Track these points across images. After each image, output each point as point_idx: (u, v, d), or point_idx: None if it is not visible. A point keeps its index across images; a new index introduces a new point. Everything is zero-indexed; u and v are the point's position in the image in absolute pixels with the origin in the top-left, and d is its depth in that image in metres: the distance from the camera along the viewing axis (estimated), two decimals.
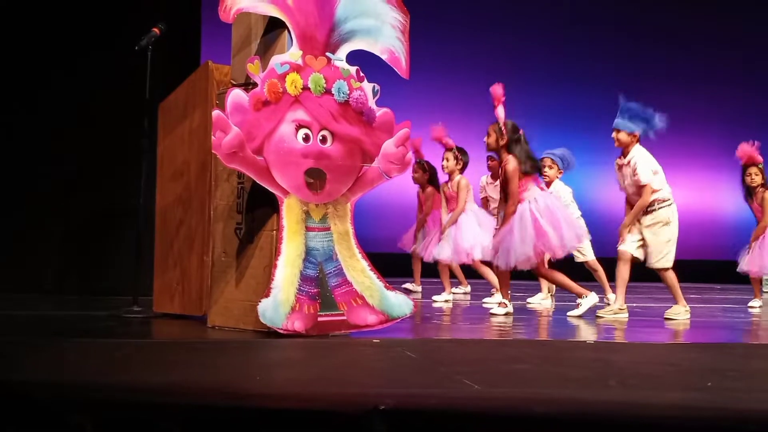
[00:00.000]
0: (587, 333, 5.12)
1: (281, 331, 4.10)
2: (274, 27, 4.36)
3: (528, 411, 2.44)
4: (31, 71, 6.36)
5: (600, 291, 6.51)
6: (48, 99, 6.36)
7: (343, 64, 4.41)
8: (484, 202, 7.81)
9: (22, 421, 2.46)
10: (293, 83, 4.25)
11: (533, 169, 5.84)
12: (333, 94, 4.35)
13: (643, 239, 5.81)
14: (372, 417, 2.33)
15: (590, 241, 7.02)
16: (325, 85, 4.32)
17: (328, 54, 4.36)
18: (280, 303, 4.13)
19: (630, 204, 5.88)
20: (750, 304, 7.49)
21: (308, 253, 4.30)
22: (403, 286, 7.83)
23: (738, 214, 12.23)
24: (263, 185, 4.23)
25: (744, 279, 7.78)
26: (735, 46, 12.67)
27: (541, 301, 7.16)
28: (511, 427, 2.37)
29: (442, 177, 7.59)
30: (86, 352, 3.57)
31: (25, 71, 6.36)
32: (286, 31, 4.31)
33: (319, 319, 4.25)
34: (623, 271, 5.86)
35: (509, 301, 5.88)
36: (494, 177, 7.41)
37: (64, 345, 3.80)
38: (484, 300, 7.10)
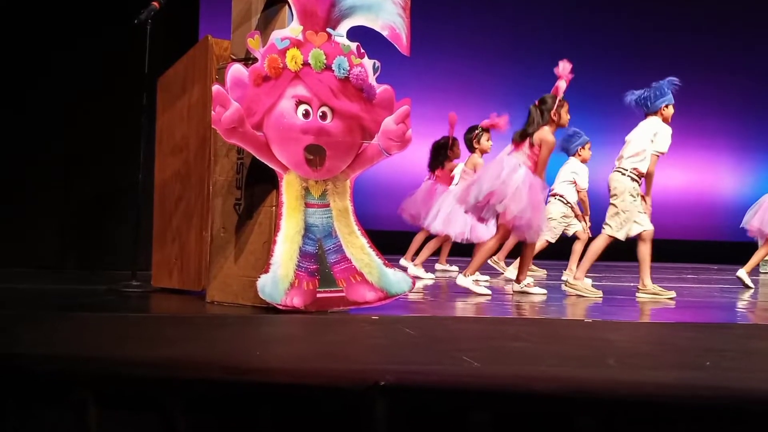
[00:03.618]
0: (585, 312, 5.13)
1: (280, 307, 4.11)
2: (274, 2, 4.33)
3: (527, 388, 2.45)
4: (31, 47, 6.32)
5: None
6: (47, 74, 6.31)
7: (343, 40, 4.39)
8: None
9: (22, 394, 2.46)
10: (293, 59, 4.22)
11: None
12: (333, 70, 4.33)
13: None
14: (372, 393, 2.33)
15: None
16: (325, 61, 4.30)
17: (328, 30, 4.34)
18: (279, 279, 4.13)
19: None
20: (761, 270, 7.53)
21: (307, 230, 4.29)
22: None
23: (736, 195, 12.26)
24: (263, 161, 4.22)
25: (741, 259, 7.78)
26: (735, 29, 12.64)
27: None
28: (511, 404, 2.37)
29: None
30: (85, 326, 3.57)
31: (25, 47, 6.32)
32: (287, 6, 4.28)
33: (318, 295, 4.25)
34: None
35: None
36: None
37: (63, 319, 3.80)
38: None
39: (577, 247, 7.32)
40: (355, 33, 4.45)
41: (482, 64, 11.67)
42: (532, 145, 5.70)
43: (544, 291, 5.92)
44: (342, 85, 4.35)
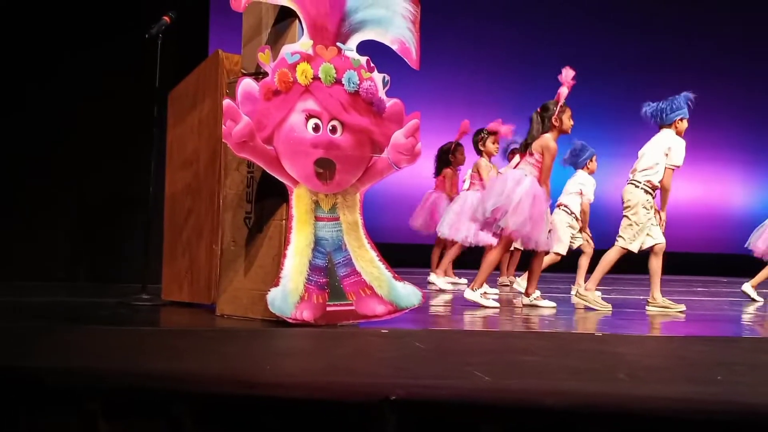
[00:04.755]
0: (596, 325, 5.12)
1: (290, 321, 4.11)
2: (284, 16, 4.35)
3: (538, 403, 2.45)
4: (42, 58, 6.36)
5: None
6: (57, 87, 6.35)
7: (353, 54, 4.40)
8: None
9: (33, 406, 2.47)
10: (303, 73, 4.24)
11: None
12: (343, 84, 4.34)
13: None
14: (382, 407, 2.33)
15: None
16: (335, 75, 4.32)
17: (338, 44, 4.36)
18: (288, 292, 4.13)
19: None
20: None
21: (317, 243, 4.30)
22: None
23: (746, 207, 12.23)
24: (273, 175, 4.23)
25: (750, 272, 7.76)
26: (747, 39, 12.63)
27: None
28: (522, 418, 2.37)
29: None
30: (95, 339, 3.58)
31: (37, 58, 6.36)
32: (297, 21, 4.31)
33: (328, 308, 4.25)
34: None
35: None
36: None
37: (74, 331, 3.81)
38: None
39: (583, 262, 7.30)
40: (365, 47, 4.47)
41: (491, 77, 11.69)
42: (531, 154, 5.71)
43: (554, 304, 5.92)
44: (352, 99, 4.37)
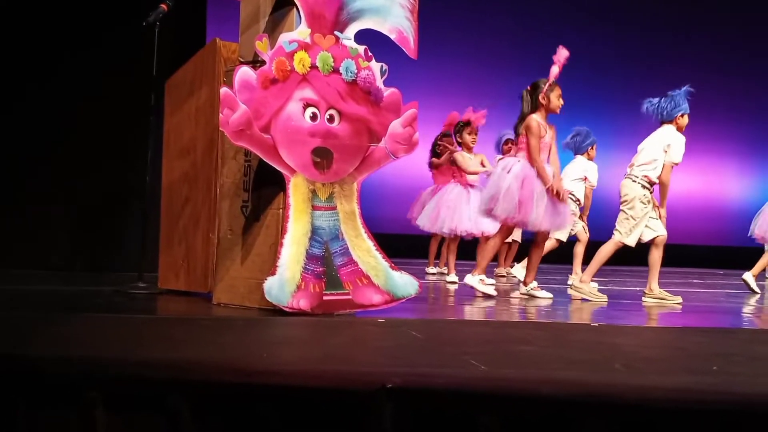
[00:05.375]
0: (592, 316, 5.13)
1: (286, 309, 4.11)
2: (282, 5, 4.34)
3: (534, 392, 2.45)
4: (40, 47, 6.34)
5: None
6: (56, 76, 6.34)
7: (351, 43, 4.39)
8: None
9: (31, 395, 2.47)
10: (301, 61, 4.23)
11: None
12: (341, 73, 4.33)
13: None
14: (379, 396, 2.33)
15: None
16: (333, 64, 4.31)
17: (336, 33, 4.34)
18: (285, 281, 4.13)
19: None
20: None
21: (314, 232, 4.30)
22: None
23: (743, 199, 12.24)
24: (270, 163, 4.23)
25: (747, 264, 7.77)
26: (744, 32, 12.62)
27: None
28: (518, 408, 2.37)
29: None
30: (92, 328, 3.57)
31: (34, 47, 6.34)
32: (295, 9, 4.30)
33: (325, 298, 4.25)
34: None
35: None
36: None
37: (71, 320, 3.80)
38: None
39: (578, 250, 7.32)
40: (363, 36, 4.46)
41: (490, 67, 11.68)
42: (519, 135, 5.73)
43: (551, 294, 5.92)
44: (349, 88, 4.36)
